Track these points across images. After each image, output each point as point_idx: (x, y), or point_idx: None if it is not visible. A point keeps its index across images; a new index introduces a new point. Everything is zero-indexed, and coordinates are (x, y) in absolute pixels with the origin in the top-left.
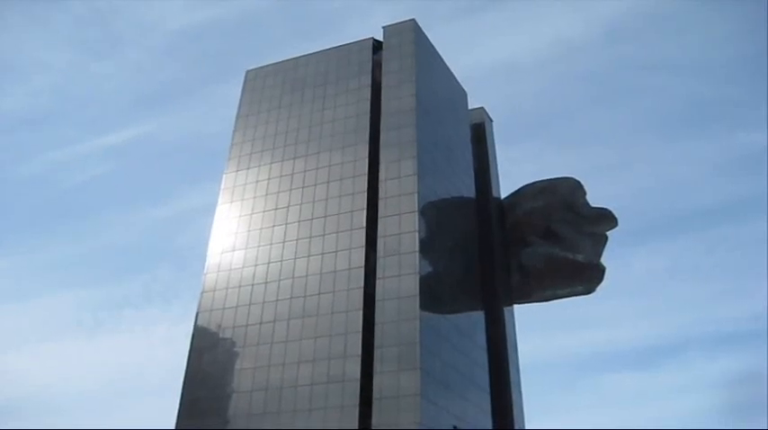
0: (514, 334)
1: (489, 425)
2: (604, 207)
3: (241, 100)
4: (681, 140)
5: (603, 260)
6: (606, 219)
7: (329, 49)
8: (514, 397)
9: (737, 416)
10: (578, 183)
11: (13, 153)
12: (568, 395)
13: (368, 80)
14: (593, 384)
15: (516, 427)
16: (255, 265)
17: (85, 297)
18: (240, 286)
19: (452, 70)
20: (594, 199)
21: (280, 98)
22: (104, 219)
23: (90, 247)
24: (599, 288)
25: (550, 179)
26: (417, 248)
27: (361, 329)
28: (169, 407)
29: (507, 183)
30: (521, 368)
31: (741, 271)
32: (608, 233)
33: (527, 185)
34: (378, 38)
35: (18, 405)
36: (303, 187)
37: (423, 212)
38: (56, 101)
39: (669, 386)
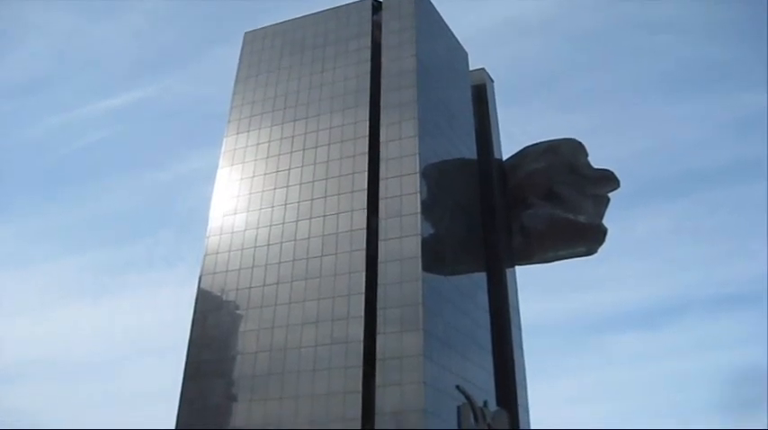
0: (516, 295)
1: (491, 384)
2: (606, 168)
3: (240, 62)
4: (684, 101)
5: (605, 221)
6: (608, 180)
7: (328, 9)
8: (516, 357)
9: (737, 377)
10: (580, 144)
11: (13, 118)
12: (571, 355)
13: (367, 41)
14: (596, 345)
15: (518, 387)
16: (257, 228)
17: (89, 262)
18: (242, 249)
19: (453, 30)
20: (596, 160)
21: (279, 60)
22: (106, 183)
23: (92, 212)
24: (601, 249)
25: (552, 140)
26: (419, 210)
27: (363, 291)
28: (174, 369)
29: (509, 144)
30: (523, 329)
31: (743, 232)
32: (610, 194)
33: (529, 146)
34: None
35: (24, 370)
36: (304, 149)
37: (424, 174)
38: (55, 65)
39: (671, 346)
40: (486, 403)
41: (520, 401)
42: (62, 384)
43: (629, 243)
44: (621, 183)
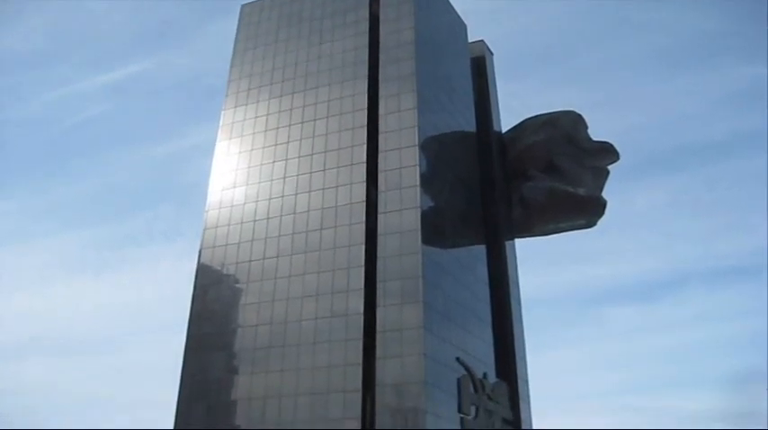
0: (516, 267)
1: (491, 356)
2: (606, 140)
3: (237, 35)
4: (683, 74)
5: (605, 194)
6: (608, 152)
7: None
8: (516, 329)
9: (737, 346)
10: (580, 116)
11: (12, 94)
12: (570, 328)
13: (365, 13)
14: (595, 317)
15: (517, 359)
16: (257, 202)
17: (89, 237)
18: (242, 222)
19: (451, 2)
20: (596, 133)
21: (276, 33)
22: (105, 158)
23: (91, 187)
24: (600, 222)
25: (552, 113)
26: (418, 182)
27: (363, 264)
28: (176, 343)
29: (508, 117)
30: (522, 301)
31: (742, 206)
32: (609, 167)
33: (528, 119)
34: None
35: (28, 345)
36: (302, 122)
37: (423, 146)
38: (52, 40)
39: (669, 319)
40: (485, 375)
41: (519, 373)
42: (65, 359)
43: (628, 216)
44: (621, 157)
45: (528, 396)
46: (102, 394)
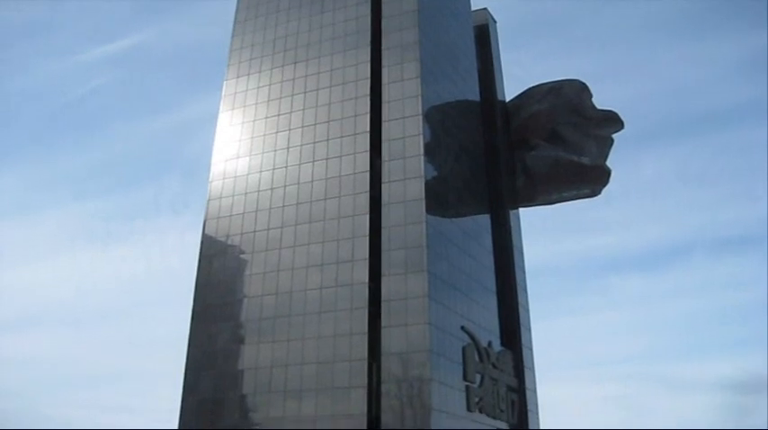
0: (520, 236)
1: (496, 325)
2: (610, 109)
3: (238, 5)
4: (691, 42)
5: (611, 163)
6: (612, 121)
7: None
8: (520, 298)
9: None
10: (584, 85)
11: (13, 65)
12: (575, 297)
13: None
14: (600, 286)
15: (522, 327)
16: (260, 172)
17: (95, 209)
18: (246, 193)
19: None
20: (601, 101)
21: (278, 2)
22: (109, 129)
23: (96, 159)
24: (606, 191)
25: (555, 81)
26: (422, 152)
27: (367, 233)
28: (182, 314)
29: (512, 85)
30: (528, 271)
31: (748, 175)
32: (614, 136)
33: (532, 88)
34: None
35: (36, 318)
36: (305, 92)
37: (427, 115)
38: (53, 11)
39: (675, 288)
40: (490, 343)
41: (524, 341)
42: (74, 330)
43: (634, 185)
44: (627, 126)
45: (533, 364)
46: (111, 365)
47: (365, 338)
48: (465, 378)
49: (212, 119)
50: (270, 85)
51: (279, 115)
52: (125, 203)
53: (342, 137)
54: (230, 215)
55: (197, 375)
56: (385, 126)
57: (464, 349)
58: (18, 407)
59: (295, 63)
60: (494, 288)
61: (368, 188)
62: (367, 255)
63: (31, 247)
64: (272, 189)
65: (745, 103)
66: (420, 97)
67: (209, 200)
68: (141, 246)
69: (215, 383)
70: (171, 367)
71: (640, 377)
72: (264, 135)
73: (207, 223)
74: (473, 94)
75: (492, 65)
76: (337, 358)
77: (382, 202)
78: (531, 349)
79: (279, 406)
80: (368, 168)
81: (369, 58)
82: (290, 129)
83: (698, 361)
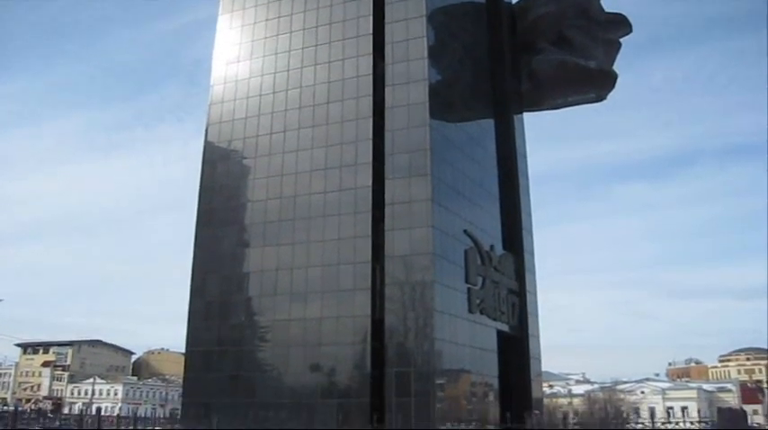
0: (524, 141)
1: (499, 229)
2: (618, 12)
3: None
4: None
5: (619, 69)
6: (620, 24)
7: None
8: (523, 202)
9: (745, 222)
10: None
11: None
12: (579, 204)
13: None
14: (604, 193)
15: (524, 232)
16: (262, 75)
17: (97, 118)
18: (248, 97)
19: None
20: (609, 4)
21: None
22: (107, 36)
23: (95, 66)
24: (614, 98)
25: None
26: (426, 54)
27: (371, 137)
28: (187, 219)
29: None
30: (532, 177)
31: (756, 84)
32: (623, 41)
33: None
34: None
35: (45, 226)
36: None
37: (431, 17)
38: None
39: (678, 196)
40: (492, 247)
41: (525, 246)
42: (81, 239)
43: (643, 92)
44: (636, 32)
45: (533, 268)
46: (120, 272)
47: (369, 241)
48: (467, 280)
49: (211, 22)
50: None
51: (279, 17)
52: (126, 113)
53: (344, 39)
54: (233, 119)
55: (203, 278)
56: (388, 28)
57: (466, 252)
58: (30, 316)
59: None
60: (497, 192)
61: (371, 92)
62: (370, 159)
63: (35, 157)
64: (274, 93)
65: (759, 8)
66: None
67: (210, 104)
68: (145, 155)
69: (221, 286)
70: (179, 269)
71: (645, 284)
72: (265, 38)
73: (209, 128)
74: None
75: None
76: (342, 261)
77: (386, 106)
78: (532, 253)
79: (284, 308)
80: (371, 71)
81: None
82: (291, 32)
83: (697, 268)
